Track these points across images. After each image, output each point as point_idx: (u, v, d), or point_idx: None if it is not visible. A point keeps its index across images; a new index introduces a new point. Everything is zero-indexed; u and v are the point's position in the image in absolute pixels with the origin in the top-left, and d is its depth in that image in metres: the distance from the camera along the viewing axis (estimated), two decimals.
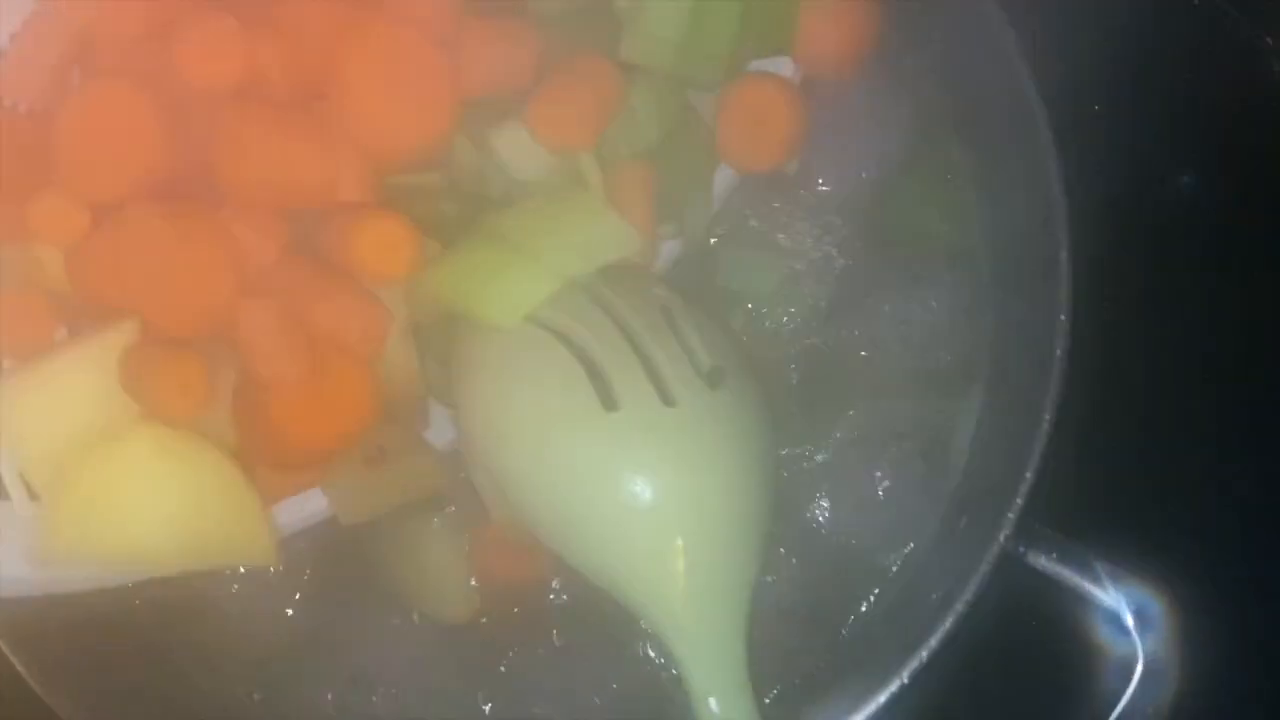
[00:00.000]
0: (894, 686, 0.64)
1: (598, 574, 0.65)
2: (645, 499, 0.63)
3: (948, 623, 0.64)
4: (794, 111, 0.73)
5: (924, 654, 0.64)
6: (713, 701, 0.62)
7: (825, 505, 0.73)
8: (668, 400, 0.64)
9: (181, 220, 0.64)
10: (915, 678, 0.64)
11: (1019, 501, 0.66)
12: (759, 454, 0.66)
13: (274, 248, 0.65)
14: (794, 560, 0.72)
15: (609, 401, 0.64)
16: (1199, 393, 0.79)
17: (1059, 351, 0.67)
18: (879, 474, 0.73)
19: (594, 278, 0.67)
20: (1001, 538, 0.65)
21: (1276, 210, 0.80)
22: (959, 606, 0.65)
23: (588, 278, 0.67)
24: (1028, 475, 0.66)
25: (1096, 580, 0.68)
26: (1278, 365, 0.81)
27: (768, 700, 0.70)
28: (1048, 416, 0.67)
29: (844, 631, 0.72)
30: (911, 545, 0.73)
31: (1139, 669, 0.66)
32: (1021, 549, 0.67)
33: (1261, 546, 0.77)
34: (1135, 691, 0.66)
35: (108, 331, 0.64)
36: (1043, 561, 0.68)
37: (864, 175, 0.76)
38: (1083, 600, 0.68)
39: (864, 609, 0.72)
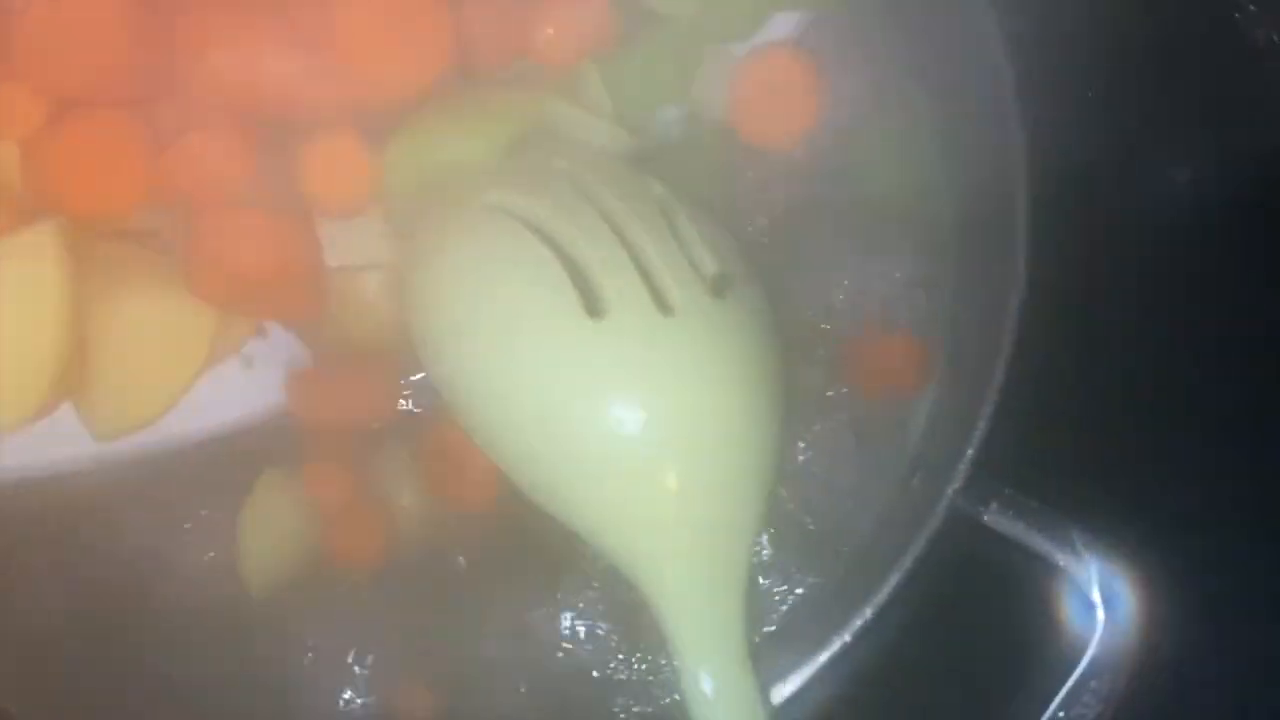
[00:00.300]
0: (836, 646, 0.61)
1: (569, 512, 0.55)
2: (632, 423, 0.52)
3: (894, 579, 0.61)
4: (813, 86, 0.68)
5: (869, 611, 0.61)
6: (705, 679, 0.53)
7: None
8: (664, 308, 0.54)
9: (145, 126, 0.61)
10: (862, 635, 0.61)
11: (970, 452, 0.63)
12: (768, 376, 0.57)
13: (239, 167, 0.61)
14: None
15: (594, 307, 0.54)
16: (1180, 367, 0.76)
17: (1015, 300, 0.64)
18: (834, 442, 0.69)
19: (581, 168, 0.58)
20: (950, 491, 0.62)
21: (1245, 171, 0.77)
22: (907, 562, 0.61)
23: (574, 167, 0.58)
24: (980, 425, 0.63)
25: (1067, 548, 0.64)
26: (1262, 342, 0.77)
27: None
28: (1001, 367, 0.64)
29: (795, 592, 0.68)
30: (866, 511, 0.69)
31: (1097, 637, 0.63)
32: (979, 507, 0.64)
33: (1236, 526, 0.74)
34: (1092, 659, 0.63)
35: (34, 228, 0.60)
36: (1009, 526, 0.64)
37: (821, 133, 0.72)
38: (1049, 567, 0.64)
39: (817, 572, 0.68)
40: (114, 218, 0.63)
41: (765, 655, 0.63)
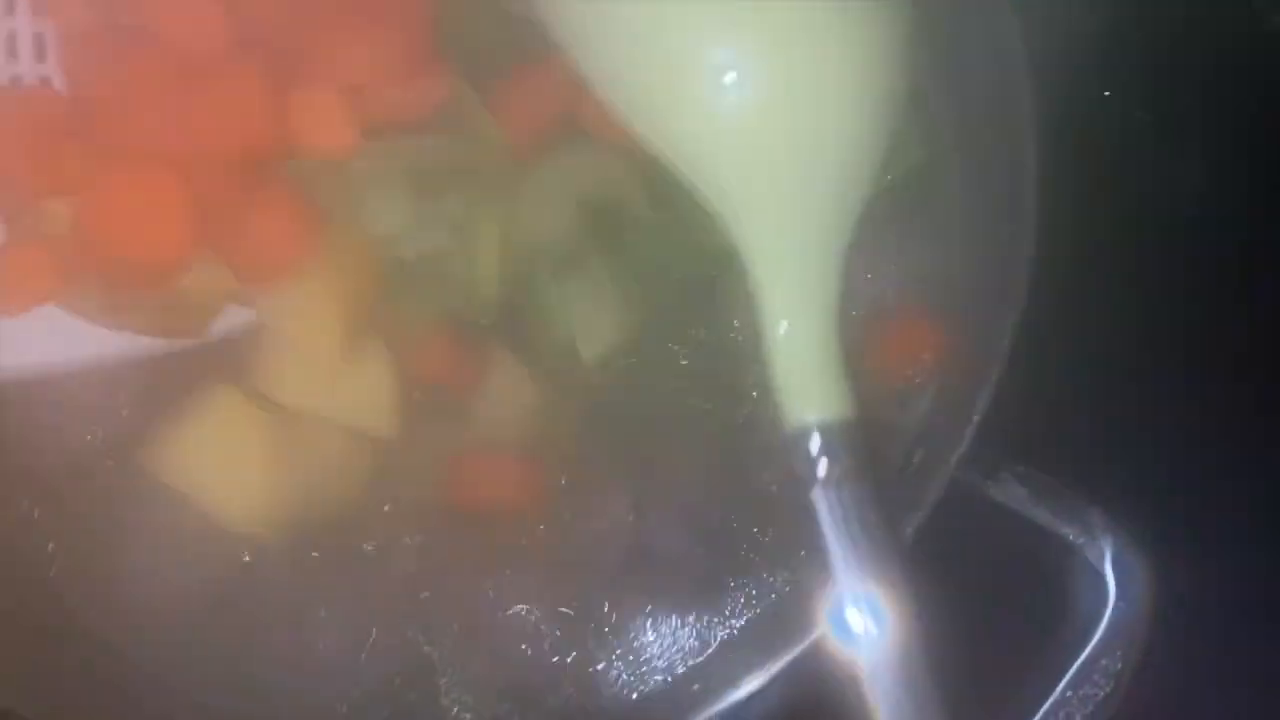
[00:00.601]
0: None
1: (665, 137, 0.54)
2: (745, 59, 0.51)
3: None
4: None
5: None
6: (784, 325, 0.52)
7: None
8: None
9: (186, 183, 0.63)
10: None
11: (975, 420, 0.61)
12: (897, 49, 0.56)
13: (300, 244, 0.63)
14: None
15: None
16: (1199, 347, 0.74)
17: (1023, 268, 0.62)
18: None
19: None
20: (952, 461, 0.61)
21: (1259, 155, 0.75)
22: (906, 533, 0.60)
23: None
24: (985, 393, 0.61)
25: (1080, 523, 0.63)
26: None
27: (712, 647, 0.66)
28: (1007, 339, 0.62)
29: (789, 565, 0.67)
30: None
31: (1109, 615, 0.62)
32: (985, 480, 0.63)
33: (1255, 506, 0.72)
34: (1103, 637, 0.61)
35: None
36: (1019, 500, 0.63)
37: None
38: (1061, 542, 0.63)
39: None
40: (158, 272, 0.64)
41: (763, 628, 0.63)
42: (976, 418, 0.61)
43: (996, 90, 0.67)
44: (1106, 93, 0.79)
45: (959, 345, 0.68)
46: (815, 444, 0.52)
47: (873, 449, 0.57)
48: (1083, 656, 0.61)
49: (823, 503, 0.52)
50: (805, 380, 0.53)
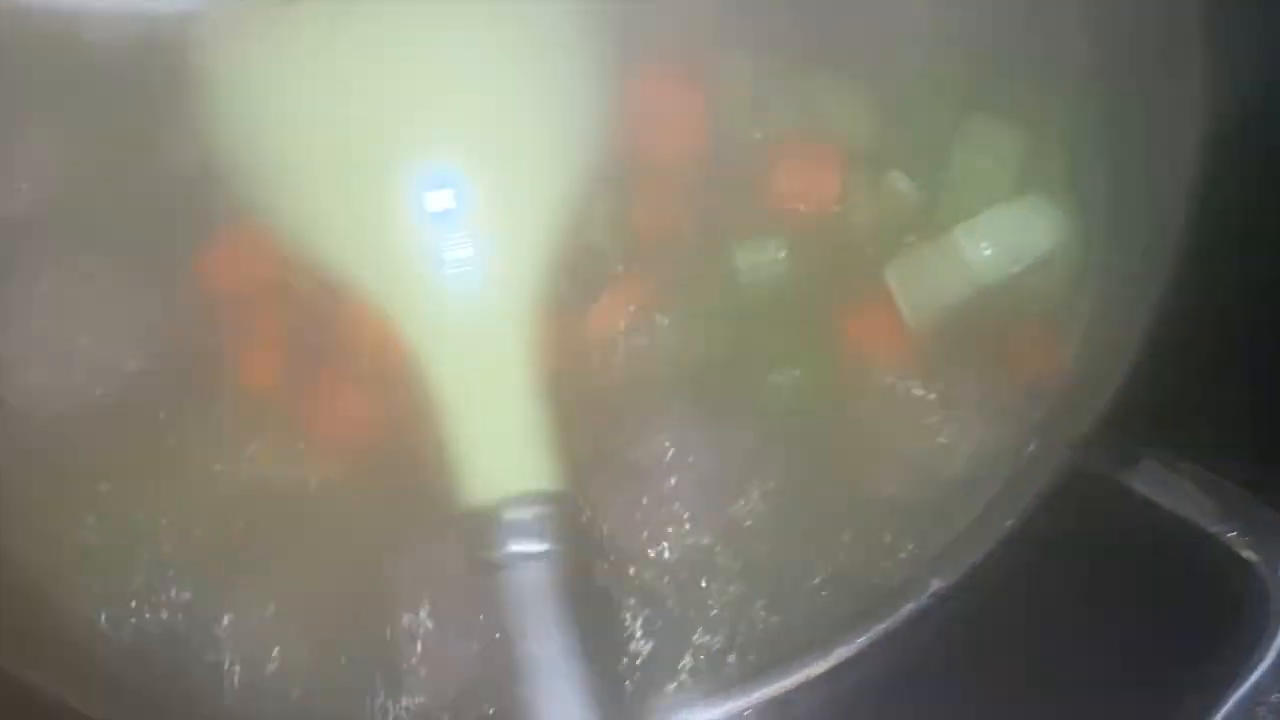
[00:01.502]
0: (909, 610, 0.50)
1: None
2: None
3: (988, 547, 0.51)
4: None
5: (944, 581, 0.50)
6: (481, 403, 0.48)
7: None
8: None
9: None
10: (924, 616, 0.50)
11: (1101, 404, 0.51)
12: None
13: None
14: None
15: None
16: None
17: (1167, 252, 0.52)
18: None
19: None
20: (1074, 448, 0.51)
21: None
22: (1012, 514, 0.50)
23: None
24: (1108, 392, 0.51)
25: (1246, 525, 0.53)
26: None
27: None
28: (1149, 314, 0.52)
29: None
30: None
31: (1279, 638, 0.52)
32: (1124, 467, 0.53)
33: None
34: (1273, 664, 0.52)
35: None
36: (1172, 497, 0.54)
37: None
38: (1221, 548, 0.53)
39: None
40: None
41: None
42: (1102, 404, 0.51)
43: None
44: None
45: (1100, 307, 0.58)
46: (512, 520, 0.46)
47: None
48: (1244, 687, 0.52)
49: (513, 585, 0.45)
50: (504, 453, 0.48)
